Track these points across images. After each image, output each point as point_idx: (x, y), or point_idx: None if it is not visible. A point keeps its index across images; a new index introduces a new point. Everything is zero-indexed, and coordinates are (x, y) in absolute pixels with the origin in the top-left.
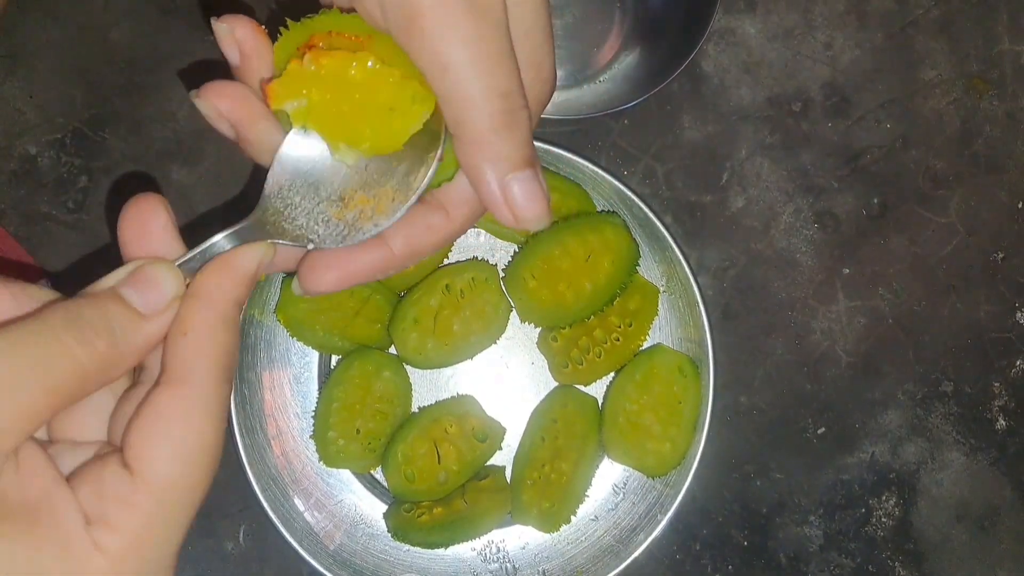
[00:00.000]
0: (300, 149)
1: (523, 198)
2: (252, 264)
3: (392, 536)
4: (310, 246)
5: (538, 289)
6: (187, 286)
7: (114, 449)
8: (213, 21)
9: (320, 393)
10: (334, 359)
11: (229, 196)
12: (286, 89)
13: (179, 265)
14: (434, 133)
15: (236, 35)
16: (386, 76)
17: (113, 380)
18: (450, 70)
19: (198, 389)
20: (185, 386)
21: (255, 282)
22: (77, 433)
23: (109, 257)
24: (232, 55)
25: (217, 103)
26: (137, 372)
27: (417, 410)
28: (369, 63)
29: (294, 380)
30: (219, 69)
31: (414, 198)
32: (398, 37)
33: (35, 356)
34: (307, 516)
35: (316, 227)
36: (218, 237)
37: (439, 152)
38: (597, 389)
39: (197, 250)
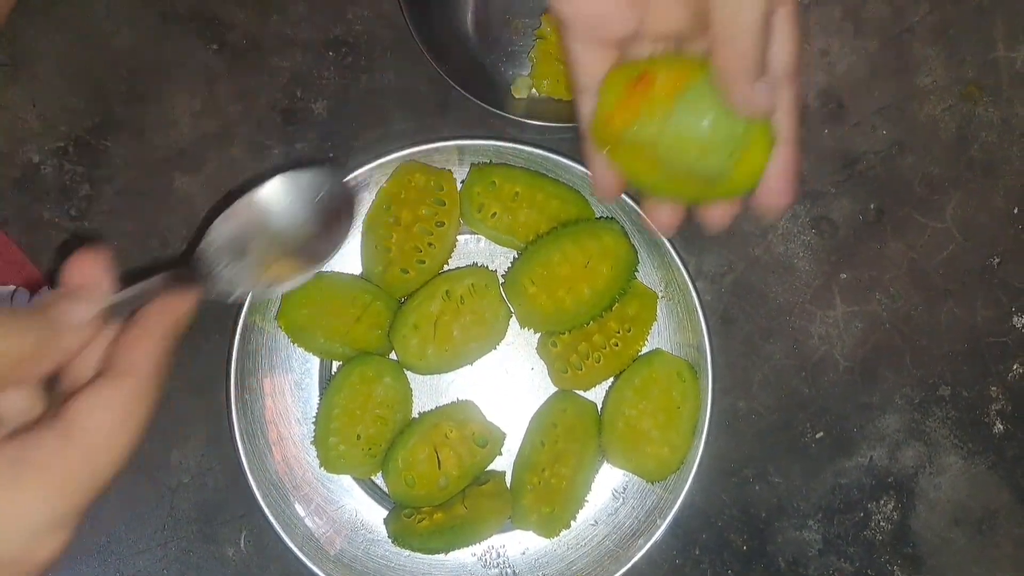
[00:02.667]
0: (230, 223)
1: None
2: (186, 305)
3: (392, 541)
4: (230, 299)
5: (537, 295)
6: (129, 318)
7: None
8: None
9: (321, 399)
10: (335, 365)
11: (231, 203)
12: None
13: (116, 302)
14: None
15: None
16: None
17: (39, 373)
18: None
19: (139, 380)
20: (128, 376)
21: (188, 317)
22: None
23: (112, 265)
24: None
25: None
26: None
27: (417, 415)
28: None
29: (295, 386)
30: (222, 79)
31: (319, 267)
32: None
33: None
34: (308, 522)
35: (239, 283)
36: (154, 279)
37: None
38: (596, 394)
39: (130, 291)
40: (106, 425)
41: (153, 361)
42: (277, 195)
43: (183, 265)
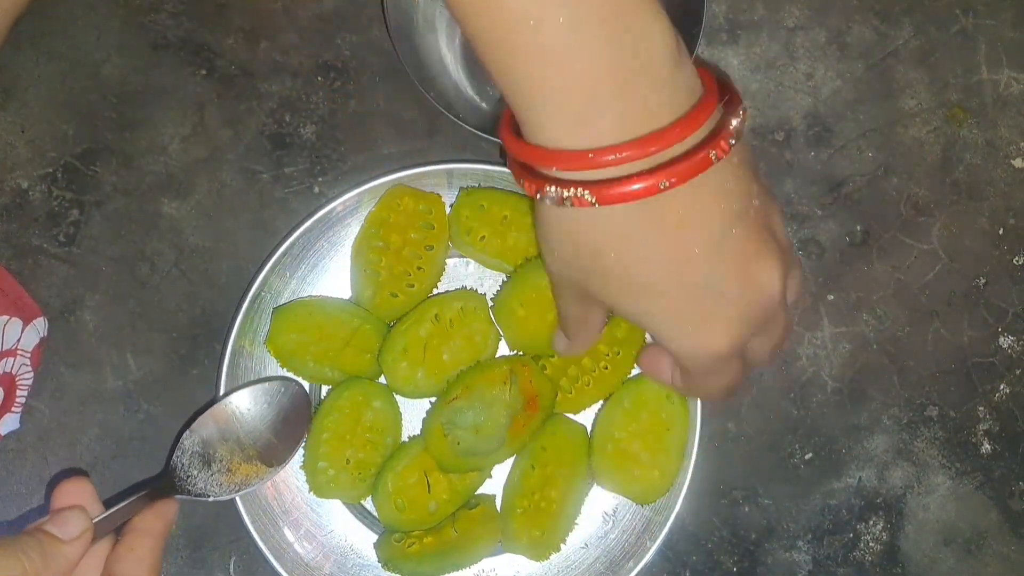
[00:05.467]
0: (196, 436)
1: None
2: (172, 511)
3: (383, 566)
4: (210, 499)
5: (527, 318)
6: (116, 531)
7: None
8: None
9: (310, 423)
10: (324, 389)
11: (218, 230)
12: None
13: (104, 518)
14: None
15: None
16: None
17: None
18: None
19: None
20: None
21: (174, 523)
22: None
23: (101, 290)
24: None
25: None
26: None
27: (407, 439)
28: None
29: None
30: (211, 105)
31: (284, 465)
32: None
33: None
34: (297, 547)
35: (212, 488)
36: (133, 498)
37: (303, 434)
38: (586, 417)
39: (116, 508)
40: None
41: (148, 566)
42: (239, 407)
43: (159, 482)
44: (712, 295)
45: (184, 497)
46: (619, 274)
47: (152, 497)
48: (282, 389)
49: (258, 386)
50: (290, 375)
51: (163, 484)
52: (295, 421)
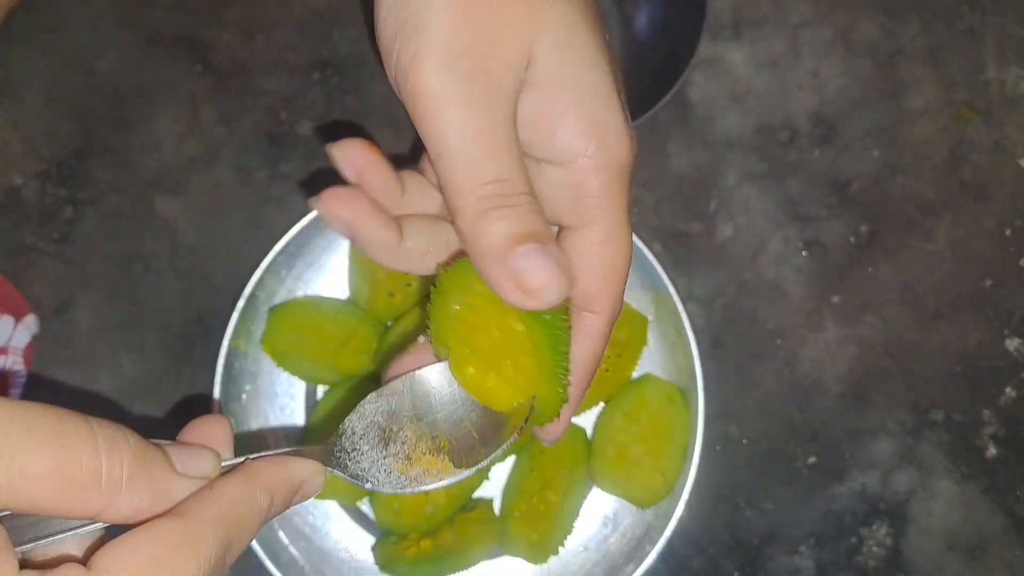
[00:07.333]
0: (380, 404)
1: (526, 271)
2: (301, 473)
3: (380, 569)
4: (367, 486)
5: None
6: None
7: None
8: (328, 148)
9: (306, 423)
10: (320, 390)
11: (214, 228)
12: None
13: (231, 465)
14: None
15: (350, 156)
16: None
17: (126, 510)
18: (443, 156)
19: (192, 528)
20: (181, 519)
21: (293, 493)
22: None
23: (94, 289)
24: (349, 173)
25: (335, 209)
26: None
27: None
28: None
29: (280, 410)
30: (206, 101)
31: (475, 470)
32: (409, 113)
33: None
34: (293, 549)
35: (377, 474)
36: (281, 451)
37: (510, 441)
38: (586, 420)
39: (254, 455)
40: (129, 570)
41: (226, 515)
42: (441, 381)
43: (322, 444)
44: None
45: (338, 473)
46: None
47: (306, 459)
48: None
49: None
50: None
51: (321, 448)
52: (502, 422)
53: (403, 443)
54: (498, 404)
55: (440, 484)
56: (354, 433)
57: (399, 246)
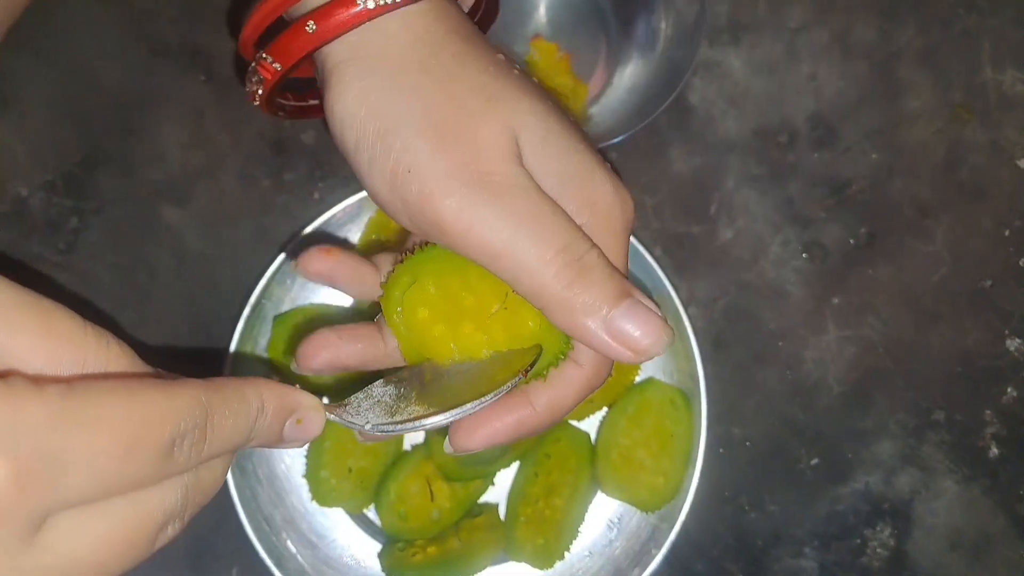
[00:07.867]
0: (388, 388)
1: (633, 330)
2: (297, 397)
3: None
4: (367, 427)
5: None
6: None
7: None
8: (292, 267)
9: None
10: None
11: (219, 237)
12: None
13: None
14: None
15: (315, 268)
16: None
17: (218, 449)
18: (501, 258)
19: (174, 387)
20: (163, 379)
21: (286, 415)
22: None
23: (100, 298)
24: (319, 281)
25: (311, 267)
26: None
27: (409, 448)
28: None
29: None
30: (210, 110)
31: (478, 403)
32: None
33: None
34: (299, 557)
35: (376, 420)
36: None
37: (512, 383)
38: (590, 424)
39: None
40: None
41: (209, 389)
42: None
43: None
44: None
45: (333, 418)
46: None
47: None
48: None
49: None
50: None
51: (338, 407)
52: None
53: (409, 414)
54: (440, 355)
55: (440, 418)
56: (359, 405)
57: (376, 283)
